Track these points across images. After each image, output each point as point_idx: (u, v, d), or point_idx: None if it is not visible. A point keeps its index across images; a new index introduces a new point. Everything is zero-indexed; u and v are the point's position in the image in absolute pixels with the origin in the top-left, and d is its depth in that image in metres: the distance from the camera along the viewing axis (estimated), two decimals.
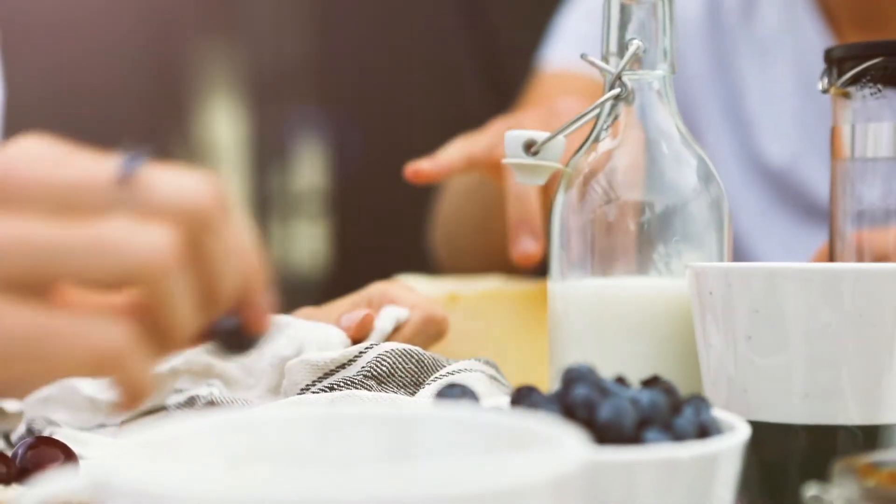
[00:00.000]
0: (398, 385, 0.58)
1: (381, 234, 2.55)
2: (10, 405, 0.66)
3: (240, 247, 0.40)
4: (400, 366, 0.59)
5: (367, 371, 0.58)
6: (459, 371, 0.59)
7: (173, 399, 0.60)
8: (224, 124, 2.73)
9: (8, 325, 0.36)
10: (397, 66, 2.55)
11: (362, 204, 2.59)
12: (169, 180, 0.38)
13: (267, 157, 2.70)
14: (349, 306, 0.65)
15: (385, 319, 0.62)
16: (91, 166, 0.38)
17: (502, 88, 2.18)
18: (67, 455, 0.55)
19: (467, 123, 2.63)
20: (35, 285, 0.37)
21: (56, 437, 0.57)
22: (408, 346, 0.59)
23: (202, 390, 0.60)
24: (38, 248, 0.36)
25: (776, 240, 1.05)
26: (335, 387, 0.57)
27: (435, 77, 2.54)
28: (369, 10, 2.57)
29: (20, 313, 0.36)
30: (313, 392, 0.57)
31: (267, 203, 2.69)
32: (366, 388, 0.57)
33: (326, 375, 0.58)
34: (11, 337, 0.36)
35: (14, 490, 0.49)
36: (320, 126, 2.70)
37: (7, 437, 0.63)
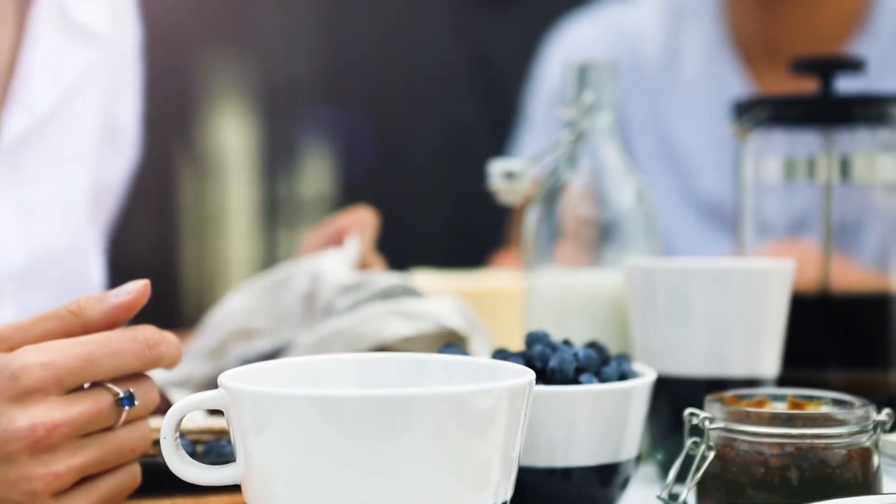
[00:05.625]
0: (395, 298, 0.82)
1: (385, 239, 2.72)
2: None
3: None
4: (397, 290, 0.83)
5: (378, 293, 0.82)
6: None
7: (232, 355, 0.83)
8: (234, 132, 2.84)
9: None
10: (402, 76, 2.72)
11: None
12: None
13: (275, 164, 2.85)
14: (322, 237, 0.91)
15: (351, 243, 0.88)
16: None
17: (496, 99, 2.39)
18: (165, 399, 0.78)
19: (466, 130, 2.87)
20: None
21: None
22: (401, 279, 0.83)
23: (249, 349, 0.83)
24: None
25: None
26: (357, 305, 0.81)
27: (438, 88, 2.71)
28: (376, 21, 2.72)
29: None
30: (340, 310, 0.81)
31: (275, 209, 2.85)
32: (378, 300, 0.81)
33: (347, 292, 0.81)
34: None
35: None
36: (327, 134, 2.83)
37: None
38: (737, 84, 1.34)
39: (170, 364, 0.65)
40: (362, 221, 0.93)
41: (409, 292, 0.82)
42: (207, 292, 2.84)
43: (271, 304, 0.84)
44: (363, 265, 0.91)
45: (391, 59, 2.73)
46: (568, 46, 1.46)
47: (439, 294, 0.85)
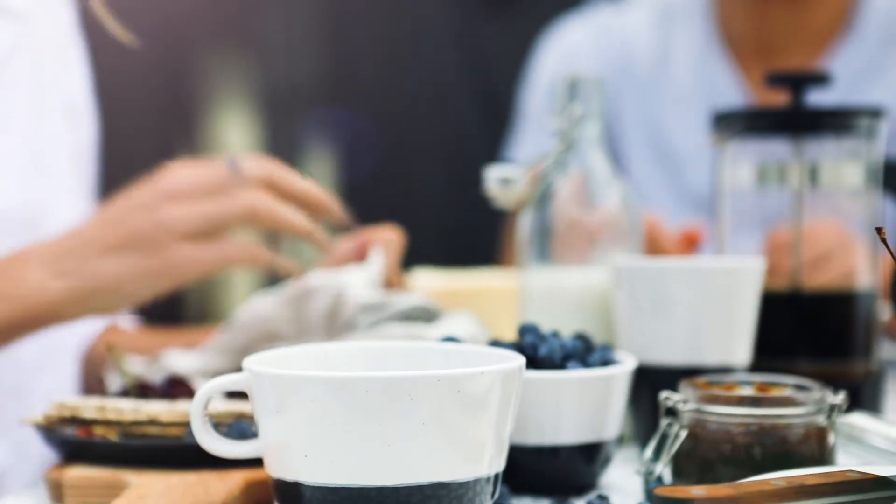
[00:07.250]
0: (414, 321, 0.90)
1: None
2: (134, 367, 0.96)
3: (302, 184, 0.89)
4: (416, 311, 0.90)
5: (398, 314, 0.89)
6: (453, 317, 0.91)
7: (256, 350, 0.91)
8: (236, 134, 2.89)
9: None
10: (404, 78, 2.78)
11: (370, 211, 2.80)
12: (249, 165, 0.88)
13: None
14: (347, 250, 1.00)
15: (375, 259, 0.95)
16: (210, 169, 0.88)
17: (496, 102, 2.46)
18: (189, 387, 0.87)
19: (467, 132, 2.94)
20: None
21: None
22: (422, 300, 0.91)
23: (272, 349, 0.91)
24: (206, 218, 0.86)
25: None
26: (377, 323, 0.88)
27: (439, 90, 2.77)
28: (378, 24, 2.78)
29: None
30: (360, 328, 0.88)
31: None
32: (397, 321, 0.88)
33: (369, 311, 0.89)
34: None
35: (161, 403, 0.80)
36: (330, 135, 2.89)
37: (126, 392, 0.93)
38: (727, 82, 1.42)
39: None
40: (388, 241, 0.99)
41: (428, 315, 0.90)
42: (209, 293, 2.90)
43: (296, 314, 0.92)
44: (387, 284, 0.97)
45: (393, 62, 2.79)
46: (561, 49, 1.53)
47: (456, 315, 0.92)
